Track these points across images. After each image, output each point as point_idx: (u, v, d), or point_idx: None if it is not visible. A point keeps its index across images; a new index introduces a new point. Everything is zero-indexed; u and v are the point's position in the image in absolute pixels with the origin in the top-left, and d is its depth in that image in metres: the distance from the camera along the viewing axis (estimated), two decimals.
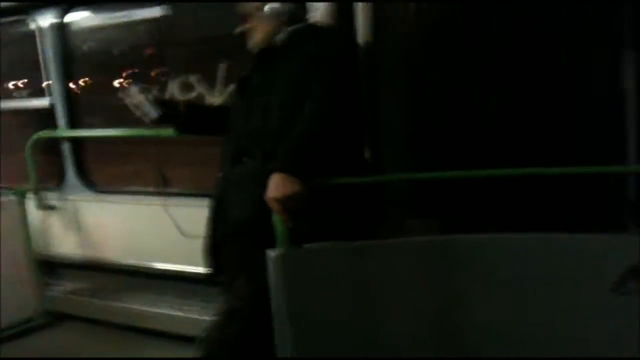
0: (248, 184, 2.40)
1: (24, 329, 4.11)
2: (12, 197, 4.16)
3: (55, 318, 4.28)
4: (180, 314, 3.77)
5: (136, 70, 4.22)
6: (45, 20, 4.15)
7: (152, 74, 4.10)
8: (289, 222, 2.18)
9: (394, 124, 2.84)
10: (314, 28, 2.59)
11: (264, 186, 2.18)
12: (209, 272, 2.69)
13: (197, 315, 3.66)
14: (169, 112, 2.70)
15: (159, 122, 2.70)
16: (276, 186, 2.14)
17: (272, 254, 2.23)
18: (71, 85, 4.31)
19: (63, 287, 4.43)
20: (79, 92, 4.42)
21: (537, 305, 2.21)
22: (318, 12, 2.77)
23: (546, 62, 2.64)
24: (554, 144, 2.62)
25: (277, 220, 2.19)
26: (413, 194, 2.84)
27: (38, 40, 4.22)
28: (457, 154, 2.72)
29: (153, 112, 2.64)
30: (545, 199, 2.57)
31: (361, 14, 2.77)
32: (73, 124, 4.27)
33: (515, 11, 2.64)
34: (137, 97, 2.65)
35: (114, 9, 4.00)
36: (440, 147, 2.77)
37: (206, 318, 3.43)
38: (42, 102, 4.35)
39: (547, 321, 2.21)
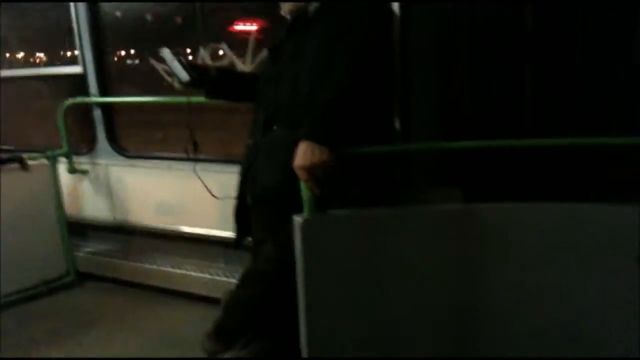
0: (277, 151, 2.43)
1: (53, 287, 4.25)
2: (44, 161, 4.26)
3: (83, 278, 4.41)
4: (206, 275, 3.87)
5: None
6: None
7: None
8: (316, 190, 2.18)
9: (423, 92, 2.84)
10: None
11: (292, 153, 2.18)
12: (237, 235, 2.75)
13: (222, 277, 3.77)
14: (200, 76, 2.73)
15: (190, 86, 2.72)
16: (303, 154, 2.14)
17: (297, 219, 2.23)
18: (104, 52, 4.37)
19: (91, 249, 4.55)
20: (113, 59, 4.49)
21: (558, 276, 2.21)
22: None
23: (575, 32, 2.62)
24: (587, 113, 2.61)
25: (304, 187, 2.20)
26: (439, 163, 2.84)
27: (71, 7, 4.27)
28: (485, 124, 2.73)
29: (185, 76, 2.65)
30: (569, 169, 2.58)
31: None
32: (105, 90, 4.34)
33: None
34: (169, 61, 2.68)
35: None
36: (468, 117, 2.77)
37: (231, 280, 3.55)
38: (74, 69, 4.40)
39: (568, 291, 2.21)
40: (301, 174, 2.16)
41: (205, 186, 3.05)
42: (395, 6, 2.71)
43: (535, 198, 2.23)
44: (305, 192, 2.21)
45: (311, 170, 2.13)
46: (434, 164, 2.85)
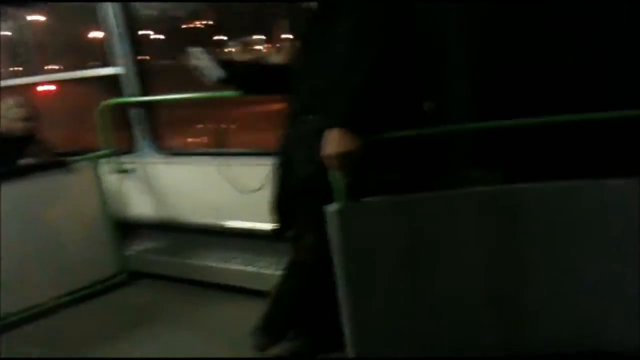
0: (311, 141, 2.39)
1: (103, 287, 4.32)
2: (87, 163, 4.31)
3: (132, 276, 4.47)
4: (251, 269, 3.88)
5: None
6: None
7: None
8: (346, 178, 2.18)
9: (457, 73, 2.78)
10: None
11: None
12: (276, 227, 2.75)
13: (268, 271, 3.77)
14: (232, 73, 2.74)
15: (222, 83, 2.74)
16: (332, 142, 2.13)
17: (330, 209, 2.23)
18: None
19: (139, 247, 4.62)
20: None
21: (599, 254, 2.15)
22: None
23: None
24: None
25: (334, 175, 2.19)
26: (476, 145, 2.78)
27: (108, 9, 4.27)
28: (521, 103, 2.63)
29: (216, 74, 2.68)
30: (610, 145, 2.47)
31: None
32: (143, 90, 4.36)
33: None
34: (200, 60, 2.70)
35: None
36: (504, 97, 2.69)
37: (277, 273, 3.55)
38: (110, 70, 4.44)
39: (610, 270, 2.15)
40: (330, 163, 2.16)
41: (230, 182, 3.05)
42: None
43: (578, 176, 2.16)
44: (336, 180, 2.20)
45: (340, 158, 2.12)
46: (472, 145, 2.78)
